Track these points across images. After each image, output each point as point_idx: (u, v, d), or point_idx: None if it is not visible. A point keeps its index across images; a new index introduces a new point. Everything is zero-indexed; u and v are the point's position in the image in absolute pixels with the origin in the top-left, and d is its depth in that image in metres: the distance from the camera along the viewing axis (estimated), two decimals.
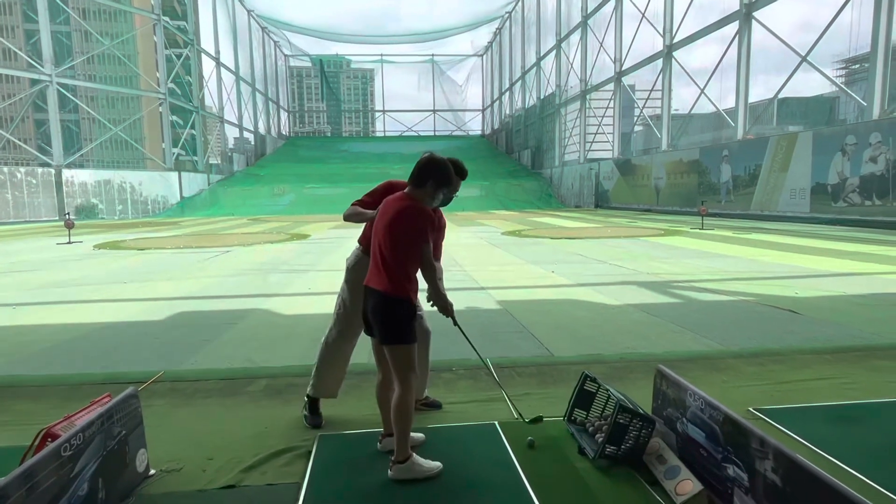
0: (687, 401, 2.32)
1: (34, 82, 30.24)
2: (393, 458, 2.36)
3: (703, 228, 15.61)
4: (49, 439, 2.11)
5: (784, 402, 3.05)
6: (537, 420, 2.80)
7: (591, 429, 2.65)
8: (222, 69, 41.80)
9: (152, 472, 2.40)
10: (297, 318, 5.61)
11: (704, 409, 2.19)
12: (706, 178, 22.55)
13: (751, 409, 2.95)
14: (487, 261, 9.84)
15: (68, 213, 17.71)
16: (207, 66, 41.53)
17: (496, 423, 2.84)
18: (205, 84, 40.93)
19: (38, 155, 33.79)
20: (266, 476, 2.38)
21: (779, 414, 2.87)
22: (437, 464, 2.37)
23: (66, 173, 29.34)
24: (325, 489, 2.19)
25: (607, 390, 2.69)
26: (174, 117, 40.01)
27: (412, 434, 2.57)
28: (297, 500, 2.17)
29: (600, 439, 2.46)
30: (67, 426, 2.18)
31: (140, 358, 4.24)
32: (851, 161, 15.68)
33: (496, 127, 58.80)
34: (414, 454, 2.37)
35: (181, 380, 3.60)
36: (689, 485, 2.11)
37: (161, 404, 3.19)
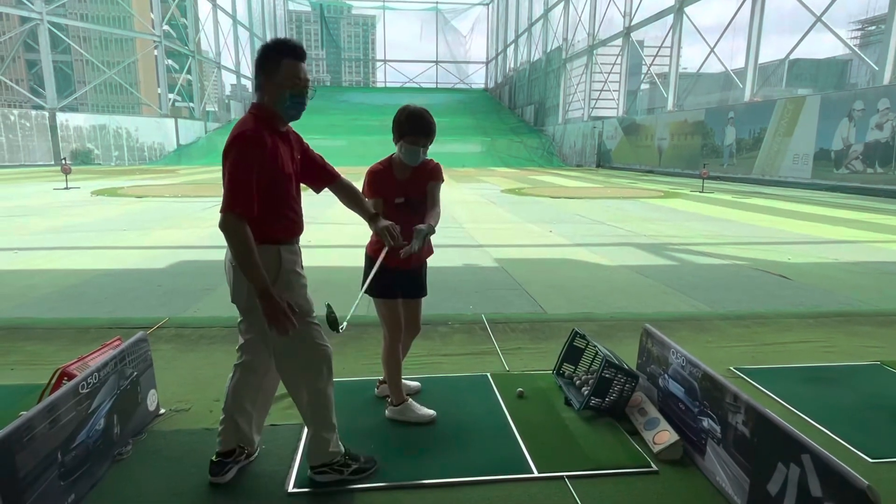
0: (669, 358, 2.44)
1: (24, 20, 29.32)
2: (389, 401, 2.51)
3: (703, 192, 15.60)
4: (65, 378, 2.23)
5: (764, 363, 3.19)
6: None
7: (577, 382, 2.79)
8: (219, 12, 40.47)
9: (162, 410, 2.54)
10: None
11: (685, 366, 2.31)
12: (710, 140, 22.31)
13: (731, 368, 3.10)
14: (486, 218, 9.89)
15: (65, 159, 17.56)
16: (204, 8, 40.23)
17: (488, 374, 2.98)
18: (201, 27, 39.69)
19: (31, 97, 33.09)
20: (270, 418, 2.51)
21: (757, 373, 3.02)
22: (432, 412, 2.51)
23: (61, 116, 28.89)
24: None
25: (595, 346, 2.81)
26: (170, 61, 39.03)
27: (408, 382, 2.71)
28: (300, 438, 2.32)
29: (586, 392, 2.59)
30: (81, 366, 2.30)
31: (144, 304, 4.35)
32: (857, 127, 15.50)
33: (500, 81, 57.48)
34: (410, 399, 2.51)
35: (186, 326, 3.72)
36: (666, 435, 2.25)
37: (168, 349, 3.32)
